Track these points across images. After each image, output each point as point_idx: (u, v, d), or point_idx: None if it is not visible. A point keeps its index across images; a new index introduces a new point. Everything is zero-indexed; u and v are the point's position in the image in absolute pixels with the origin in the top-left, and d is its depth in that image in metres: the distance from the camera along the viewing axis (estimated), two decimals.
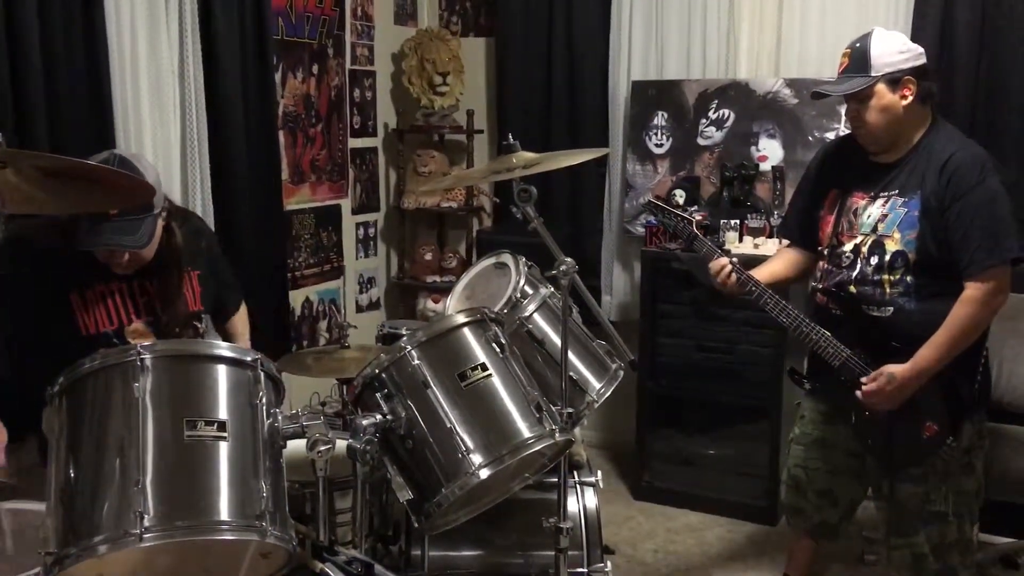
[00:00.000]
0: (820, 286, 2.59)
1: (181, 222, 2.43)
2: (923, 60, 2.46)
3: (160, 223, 2.31)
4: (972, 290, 2.35)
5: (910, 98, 2.42)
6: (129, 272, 2.34)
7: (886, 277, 2.44)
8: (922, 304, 2.41)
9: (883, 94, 2.41)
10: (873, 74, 2.40)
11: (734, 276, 2.58)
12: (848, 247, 2.51)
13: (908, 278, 2.42)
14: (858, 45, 2.45)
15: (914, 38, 3.52)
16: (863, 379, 2.44)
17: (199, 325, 2.50)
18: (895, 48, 2.43)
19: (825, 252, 2.59)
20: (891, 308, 2.44)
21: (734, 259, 2.61)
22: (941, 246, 2.38)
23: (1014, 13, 3.50)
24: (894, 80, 2.41)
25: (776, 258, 2.83)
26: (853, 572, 3.34)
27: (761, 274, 2.66)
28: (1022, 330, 3.15)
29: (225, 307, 2.67)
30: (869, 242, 2.47)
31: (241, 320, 2.73)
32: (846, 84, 2.44)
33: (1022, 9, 3.48)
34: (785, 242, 2.86)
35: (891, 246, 2.43)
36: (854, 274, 2.49)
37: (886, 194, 2.47)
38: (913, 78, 2.41)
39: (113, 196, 1.83)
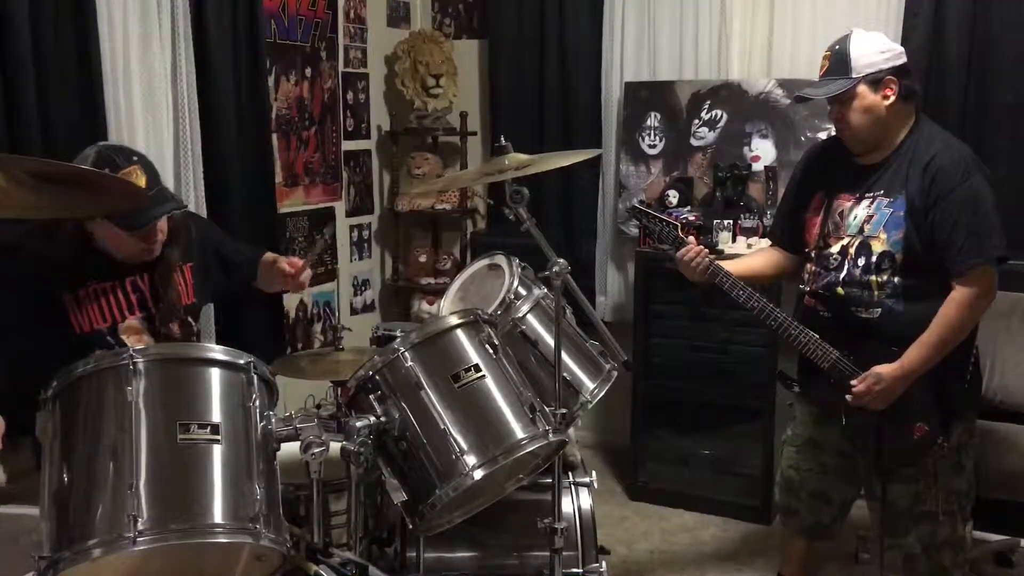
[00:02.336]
0: (808, 288, 2.60)
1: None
2: (904, 59, 2.46)
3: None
4: (958, 291, 2.36)
5: (892, 97, 2.42)
6: (156, 252, 2.34)
7: (874, 278, 2.44)
8: (910, 305, 2.41)
9: (865, 95, 2.42)
10: (854, 75, 2.41)
11: (706, 262, 2.57)
12: (835, 249, 2.52)
13: (896, 279, 2.42)
14: (837, 47, 2.46)
15: (905, 38, 3.55)
16: (853, 381, 2.45)
17: (193, 322, 2.51)
18: (875, 48, 2.43)
19: (812, 254, 2.60)
20: (879, 310, 2.44)
21: (706, 250, 2.60)
22: (927, 246, 2.38)
23: (1004, 13, 3.51)
24: (875, 80, 2.41)
25: (754, 254, 2.83)
26: (847, 571, 3.35)
27: (735, 267, 2.65)
28: (1013, 328, 3.17)
29: (254, 257, 2.68)
30: (856, 243, 2.48)
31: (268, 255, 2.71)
32: (827, 87, 2.45)
33: (1012, 8, 3.50)
34: (769, 241, 2.86)
35: (878, 247, 2.44)
36: (842, 276, 2.49)
37: (871, 195, 2.47)
38: (895, 77, 2.42)
39: (104, 200, 1.83)
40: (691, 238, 2.66)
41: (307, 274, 2.60)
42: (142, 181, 2.21)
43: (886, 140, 2.47)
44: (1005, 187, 2.52)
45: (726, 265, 2.62)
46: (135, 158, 2.26)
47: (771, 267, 2.77)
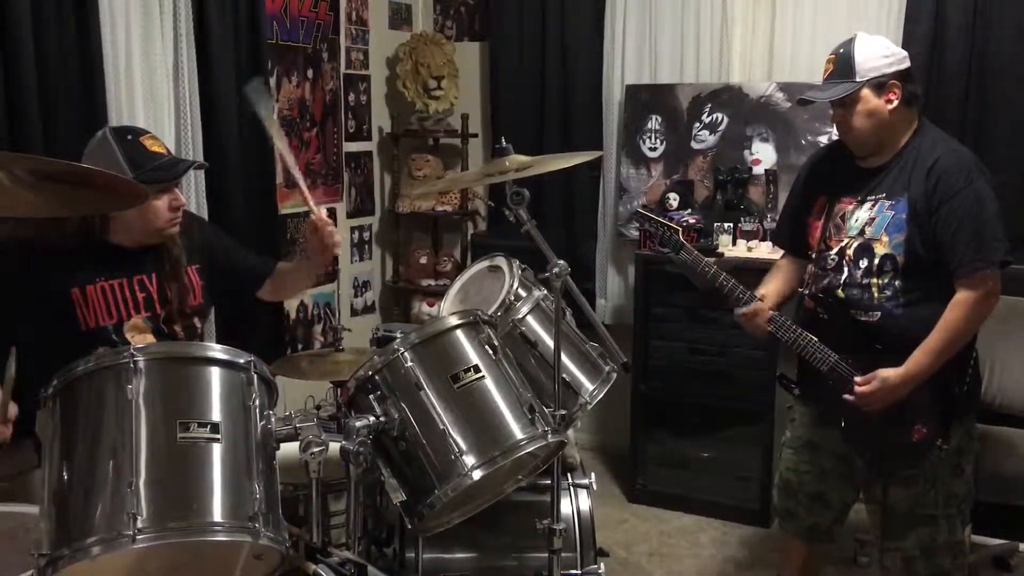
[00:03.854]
0: (808, 291, 2.60)
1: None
2: (907, 63, 2.47)
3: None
4: (962, 295, 2.36)
5: (896, 102, 2.42)
6: (174, 230, 2.36)
7: (874, 281, 2.45)
8: (909, 309, 2.42)
9: (869, 99, 2.42)
10: (858, 79, 2.41)
11: (768, 327, 2.56)
12: (834, 250, 2.52)
13: (897, 282, 2.43)
14: (842, 51, 2.46)
15: (906, 42, 3.56)
16: (856, 378, 2.45)
17: (198, 324, 2.51)
18: (879, 52, 2.43)
19: (813, 256, 2.60)
20: (879, 313, 2.44)
21: (775, 313, 2.58)
22: (929, 250, 2.39)
23: (1005, 18, 3.52)
24: (879, 84, 2.41)
25: (777, 274, 2.80)
26: (846, 574, 3.36)
27: (769, 292, 2.66)
28: (1012, 332, 3.17)
29: (264, 269, 2.66)
30: (855, 245, 2.48)
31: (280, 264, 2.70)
32: (831, 90, 2.45)
33: (1013, 12, 3.51)
34: (780, 252, 2.86)
35: (880, 250, 2.44)
36: (842, 278, 2.50)
37: (873, 197, 2.48)
38: (898, 82, 2.42)
39: (106, 197, 1.83)
40: (743, 293, 2.61)
41: (332, 232, 2.44)
42: (159, 146, 2.28)
43: (889, 144, 2.48)
44: (1005, 191, 2.53)
45: (761, 290, 2.64)
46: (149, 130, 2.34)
47: (795, 280, 2.73)
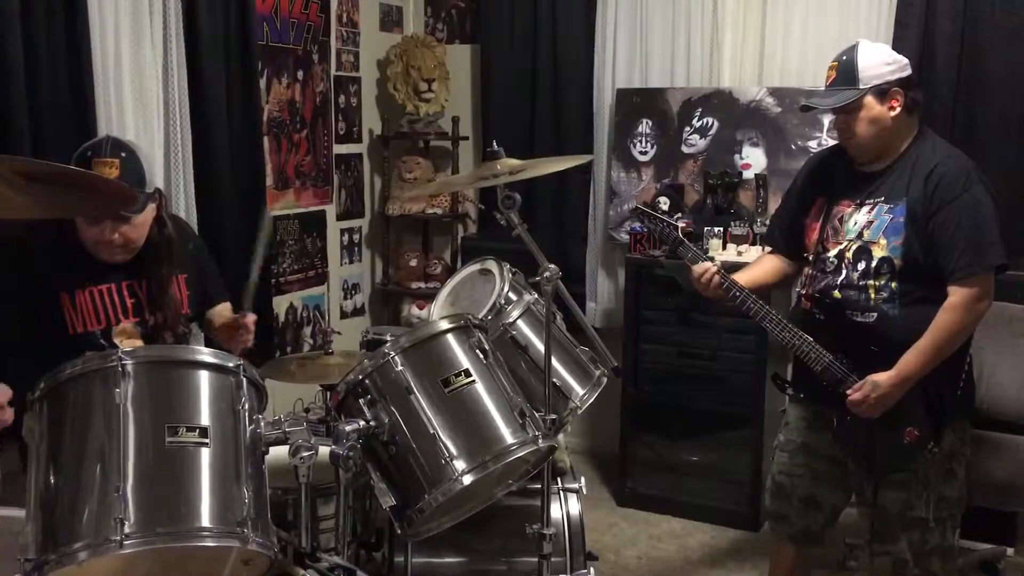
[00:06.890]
0: (805, 292, 2.61)
1: (172, 221, 2.44)
2: (909, 71, 2.48)
3: (152, 207, 2.31)
4: (956, 297, 2.37)
5: (898, 109, 2.44)
6: (118, 259, 2.32)
7: (871, 283, 2.46)
8: (905, 310, 2.43)
9: (872, 106, 2.43)
10: (861, 86, 2.42)
11: (717, 279, 2.59)
12: (833, 253, 2.53)
13: (893, 284, 2.44)
14: (845, 58, 2.47)
15: (895, 48, 3.55)
16: (848, 391, 2.45)
17: (186, 330, 2.50)
18: (882, 60, 2.45)
19: (810, 258, 2.61)
20: (875, 314, 2.45)
21: (717, 263, 2.62)
22: (926, 253, 2.40)
23: (994, 25, 3.53)
24: (882, 92, 2.43)
25: (757, 263, 2.84)
26: None
27: (742, 279, 2.67)
28: (1004, 337, 3.18)
29: (212, 302, 2.67)
30: (854, 248, 2.49)
31: (224, 306, 2.70)
32: (835, 97, 2.46)
33: (1002, 17, 3.52)
34: (768, 248, 2.87)
35: (877, 252, 2.45)
36: (839, 279, 2.51)
37: (872, 201, 2.49)
38: (900, 89, 2.44)
39: (94, 200, 1.82)
40: (712, 260, 2.65)
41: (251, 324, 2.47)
42: (113, 173, 2.19)
43: (890, 149, 2.49)
44: (996, 197, 2.54)
45: (736, 277, 2.63)
46: (123, 154, 2.24)
47: (775, 274, 2.78)
